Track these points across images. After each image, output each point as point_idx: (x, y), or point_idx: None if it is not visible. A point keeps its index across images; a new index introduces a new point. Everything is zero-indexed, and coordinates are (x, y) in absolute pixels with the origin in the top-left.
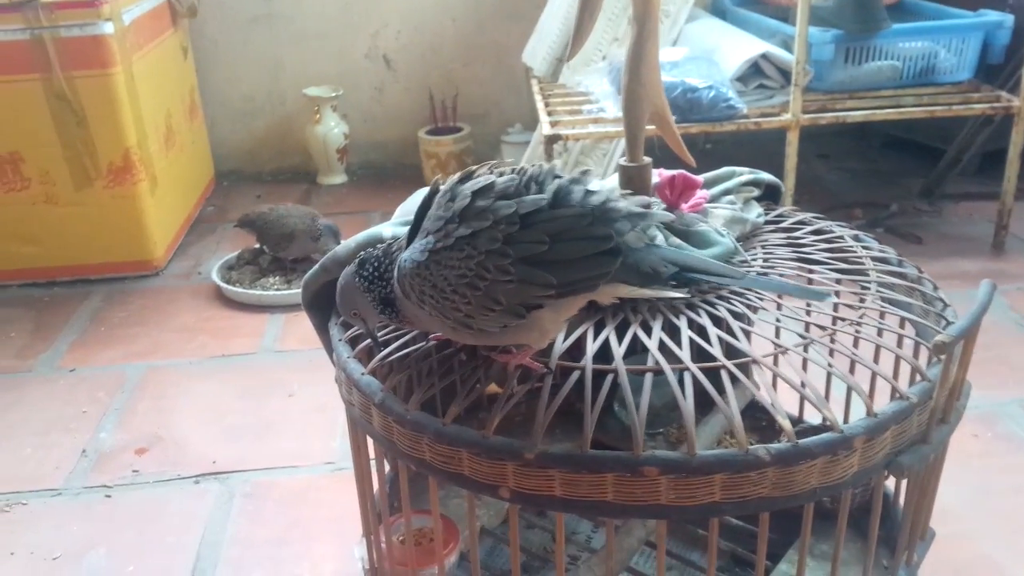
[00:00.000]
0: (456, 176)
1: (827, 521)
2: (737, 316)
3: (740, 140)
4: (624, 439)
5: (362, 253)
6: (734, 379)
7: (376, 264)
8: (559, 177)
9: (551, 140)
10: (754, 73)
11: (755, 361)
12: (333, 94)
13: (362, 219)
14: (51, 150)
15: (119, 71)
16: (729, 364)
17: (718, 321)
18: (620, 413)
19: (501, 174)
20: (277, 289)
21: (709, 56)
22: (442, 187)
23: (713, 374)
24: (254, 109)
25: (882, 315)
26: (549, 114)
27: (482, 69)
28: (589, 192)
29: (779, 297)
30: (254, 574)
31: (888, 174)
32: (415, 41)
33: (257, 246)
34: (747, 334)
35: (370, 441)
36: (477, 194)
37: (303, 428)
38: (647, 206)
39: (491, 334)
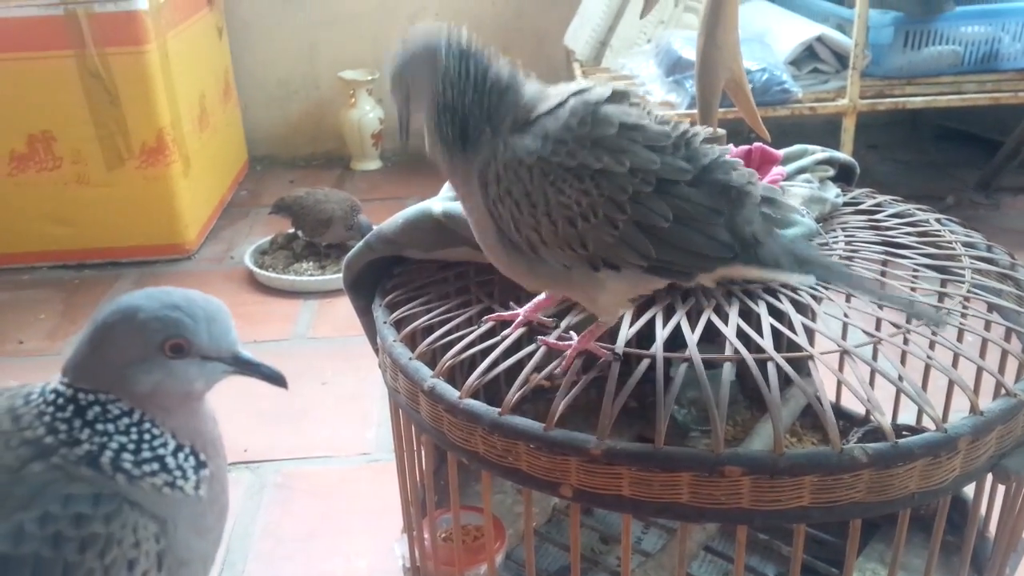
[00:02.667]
0: (606, 90)
1: (895, 527)
2: (818, 301)
3: (784, 128)
4: (675, 436)
5: (470, 61)
6: (804, 372)
7: (484, 99)
8: (707, 145)
9: None
10: (808, 57)
11: (846, 352)
12: (369, 78)
13: (396, 205)
14: (83, 129)
15: (153, 48)
16: (816, 354)
17: (799, 307)
18: (672, 408)
19: (654, 118)
20: (311, 275)
21: (761, 38)
22: (586, 95)
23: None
24: (288, 92)
25: (968, 301)
26: None
27: (520, 54)
28: (733, 168)
29: (880, 287)
30: (285, 568)
31: (942, 166)
32: (454, 23)
33: (291, 231)
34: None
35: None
36: (624, 129)
37: (336, 417)
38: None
39: (537, 272)
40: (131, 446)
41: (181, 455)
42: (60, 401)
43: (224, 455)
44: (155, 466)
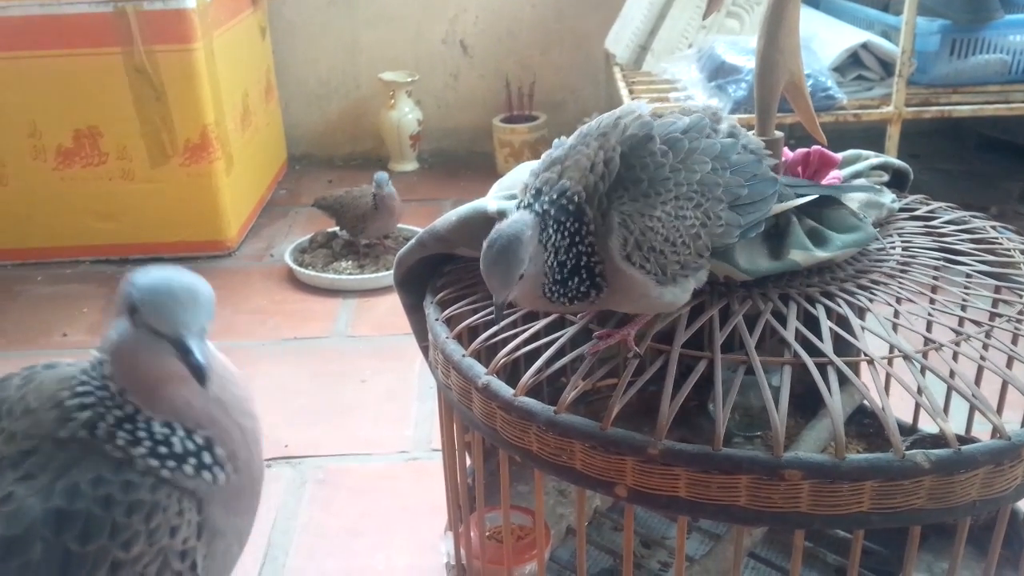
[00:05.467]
0: (644, 116)
1: (943, 538)
2: (872, 302)
3: (827, 134)
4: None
5: (519, 209)
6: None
7: (568, 225)
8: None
9: None
10: (852, 63)
11: (907, 357)
12: (409, 79)
13: (433, 207)
14: (129, 125)
15: (200, 47)
16: (877, 359)
17: (856, 312)
18: (714, 413)
19: (677, 113)
20: (350, 273)
21: (806, 44)
22: (631, 131)
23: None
24: (329, 92)
25: None
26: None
27: (560, 56)
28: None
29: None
30: (327, 564)
31: (985, 176)
32: (493, 27)
33: (330, 230)
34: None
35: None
36: (687, 133)
37: (376, 415)
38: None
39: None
40: (127, 424)
41: (176, 438)
42: (92, 362)
43: (250, 433)
44: (150, 444)
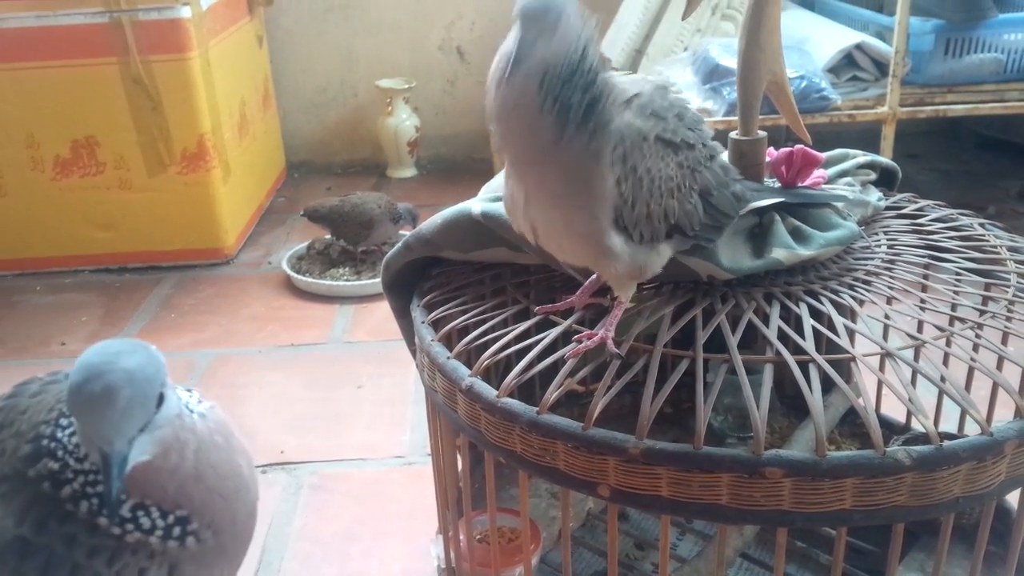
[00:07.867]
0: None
1: (935, 536)
2: (860, 304)
3: (823, 136)
4: (711, 443)
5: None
6: (845, 376)
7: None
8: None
9: None
10: (847, 64)
11: (889, 354)
12: (406, 86)
13: (432, 212)
14: (126, 135)
15: (195, 56)
16: (859, 356)
17: (841, 311)
18: (709, 415)
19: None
20: (347, 280)
21: (799, 46)
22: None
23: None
24: (326, 100)
25: (1013, 305)
26: None
27: None
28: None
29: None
30: (321, 569)
31: (983, 176)
32: (490, 32)
33: (327, 237)
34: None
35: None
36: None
37: (372, 420)
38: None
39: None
40: (95, 498)
41: (147, 519)
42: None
43: (234, 494)
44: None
